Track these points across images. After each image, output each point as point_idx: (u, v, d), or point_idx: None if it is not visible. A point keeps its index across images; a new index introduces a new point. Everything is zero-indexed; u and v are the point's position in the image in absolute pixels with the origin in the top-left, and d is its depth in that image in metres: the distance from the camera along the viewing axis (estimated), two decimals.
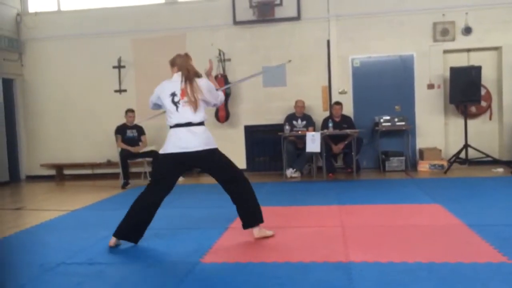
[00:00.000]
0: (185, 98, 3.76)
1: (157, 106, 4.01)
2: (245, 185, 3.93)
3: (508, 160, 7.93)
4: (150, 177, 4.15)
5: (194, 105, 3.75)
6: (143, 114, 8.75)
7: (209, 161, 3.86)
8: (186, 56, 3.92)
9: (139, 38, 8.99)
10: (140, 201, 3.85)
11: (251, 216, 3.95)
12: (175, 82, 3.84)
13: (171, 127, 3.85)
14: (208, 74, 4.11)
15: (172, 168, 3.85)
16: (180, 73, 3.85)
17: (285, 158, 7.94)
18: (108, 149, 8.67)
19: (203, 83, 3.86)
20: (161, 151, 3.87)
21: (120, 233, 3.86)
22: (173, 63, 3.95)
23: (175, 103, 3.78)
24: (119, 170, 7.91)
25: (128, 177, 7.67)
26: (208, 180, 5.74)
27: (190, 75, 3.80)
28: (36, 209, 6.05)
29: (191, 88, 3.76)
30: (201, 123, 3.83)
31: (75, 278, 3.18)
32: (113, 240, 3.87)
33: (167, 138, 3.86)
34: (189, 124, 3.77)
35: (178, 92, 3.79)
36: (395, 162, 8.09)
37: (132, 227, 3.85)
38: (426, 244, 3.63)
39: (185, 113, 3.77)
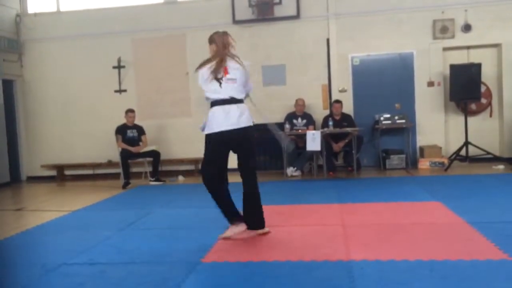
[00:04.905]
0: (228, 76, 3.80)
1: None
2: (256, 186, 3.94)
3: (509, 157, 7.92)
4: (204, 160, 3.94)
5: (235, 83, 3.80)
6: (143, 114, 8.88)
7: (248, 140, 3.86)
8: (224, 34, 3.93)
9: (138, 38, 8.99)
10: (210, 188, 3.86)
11: (257, 220, 3.98)
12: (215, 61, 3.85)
13: (212, 104, 3.81)
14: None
15: (223, 147, 3.82)
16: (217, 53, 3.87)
17: (285, 157, 7.94)
18: (108, 149, 8.66)
19: (246, 65, 3.88)
20: (206, 131, 3.80)
21: (232, 219, 3.95)
22: (211, 40, 3.93)
23: (218, 80, 3.78)
24: (119, 170, 7.92)
25: (128, 177, 7.69)
26: None
27: (229, 53, 3.84)
28: (37, 210, 6.06)
29: (230, 66, 3.82)
30: (242, 100, 3.88)
31: (77, 279, 3.19)
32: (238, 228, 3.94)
33: (209, 117, 3.79)
34: (233, 100, 3.80)
35: (221, 69, 3.80)
36: (395, 160, 8.09)
37: (231, 210, 3.93)
38: (427, 242, 3.63)
39: (228, 90, 3.78)
